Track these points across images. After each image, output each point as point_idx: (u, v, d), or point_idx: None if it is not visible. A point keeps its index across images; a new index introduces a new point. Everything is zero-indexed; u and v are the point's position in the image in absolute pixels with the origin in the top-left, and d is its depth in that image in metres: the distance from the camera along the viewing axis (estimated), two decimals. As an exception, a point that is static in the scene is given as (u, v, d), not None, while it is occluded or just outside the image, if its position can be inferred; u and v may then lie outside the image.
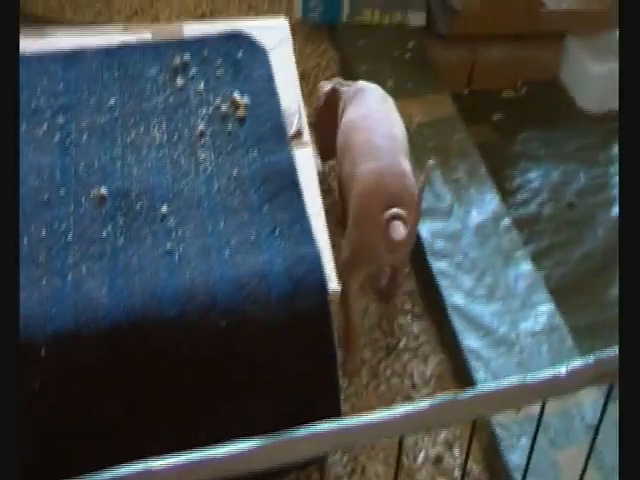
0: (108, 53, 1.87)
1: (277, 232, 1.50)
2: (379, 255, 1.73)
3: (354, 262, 1.77)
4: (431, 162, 1.74)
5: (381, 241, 1.66)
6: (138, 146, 1.64)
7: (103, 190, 1.54)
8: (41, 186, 1.56)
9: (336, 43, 2.61)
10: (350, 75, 2.39)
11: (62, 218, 1.51)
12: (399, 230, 1.63)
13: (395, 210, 1.64)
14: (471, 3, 2.50)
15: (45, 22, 2.74)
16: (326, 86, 2.07)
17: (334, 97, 2.02)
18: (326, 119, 2.04)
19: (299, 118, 1.69)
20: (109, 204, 1.53)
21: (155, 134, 1.67)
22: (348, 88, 2.01)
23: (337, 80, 2.10)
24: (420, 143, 2.21)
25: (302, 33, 2.63)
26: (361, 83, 2.01)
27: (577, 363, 1.06)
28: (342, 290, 1.54)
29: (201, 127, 1.67)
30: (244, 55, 1.83)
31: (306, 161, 1.59)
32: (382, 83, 2.26)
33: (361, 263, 1.78)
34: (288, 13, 2.68)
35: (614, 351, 1.13)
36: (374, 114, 1.88)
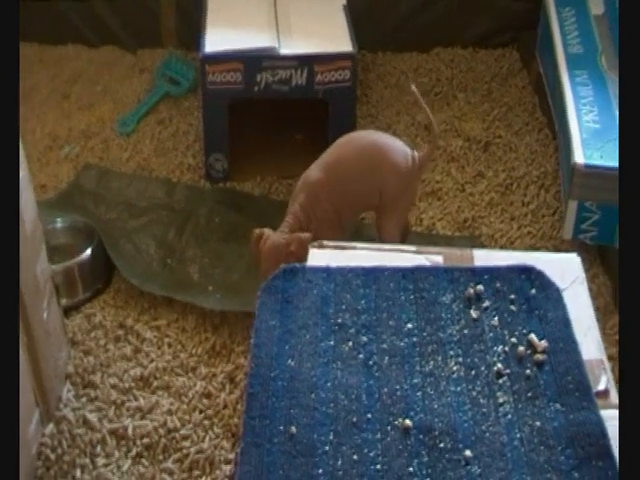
0: (404, 275, 2.00)
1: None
2: None
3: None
4: (413, 87, 2.49)
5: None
6: (437, 377, 1.73)
7: (407, 421, 1.63)
8: (350, 407, 1.67)
9: (608, 269, 2.57)
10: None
11: (371, 444, 1.59)
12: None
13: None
14: None
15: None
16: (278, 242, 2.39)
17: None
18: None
19: (606, 374, 1.68)
20: (413, 438, 1.60)
21: (452, 367, 1.75)
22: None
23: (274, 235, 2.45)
24: None
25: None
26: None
27: None
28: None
29: (498, 366, 1.73)
30: (537, 292, 1.89)
31: (614, 425, 1.56)
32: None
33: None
34: (553, 230, 2.74)
35: None
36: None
